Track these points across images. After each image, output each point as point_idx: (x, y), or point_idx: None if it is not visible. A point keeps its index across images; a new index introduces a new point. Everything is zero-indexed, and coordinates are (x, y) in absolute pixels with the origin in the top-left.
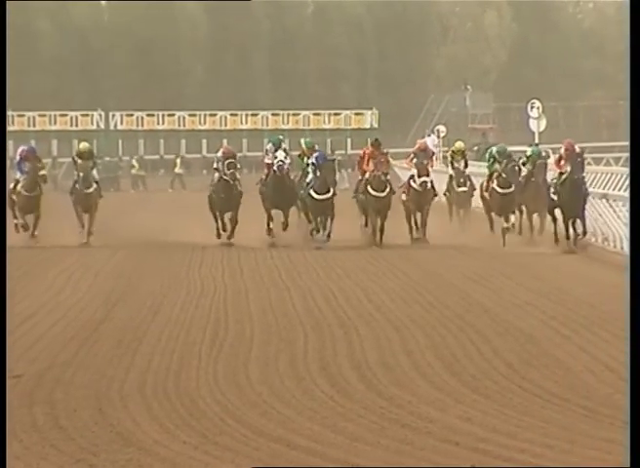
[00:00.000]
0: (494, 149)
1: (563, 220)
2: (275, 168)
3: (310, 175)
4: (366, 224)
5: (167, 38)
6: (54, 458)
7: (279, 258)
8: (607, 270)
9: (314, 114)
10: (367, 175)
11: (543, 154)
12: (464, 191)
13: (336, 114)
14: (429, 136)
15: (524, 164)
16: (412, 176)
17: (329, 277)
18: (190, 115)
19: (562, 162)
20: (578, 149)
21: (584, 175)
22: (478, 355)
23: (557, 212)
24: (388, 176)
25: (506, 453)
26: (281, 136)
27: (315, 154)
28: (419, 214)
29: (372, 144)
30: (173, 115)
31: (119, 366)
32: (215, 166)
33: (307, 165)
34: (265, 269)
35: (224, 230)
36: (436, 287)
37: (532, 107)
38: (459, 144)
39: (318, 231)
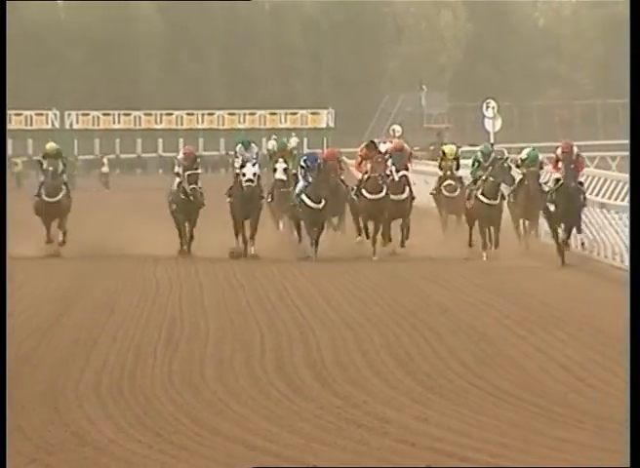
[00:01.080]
0: (478, 153)
1: (563, 230)
2: (244, 185)
3: (301, 182)
4: (359, 233)
5: (122, 37)
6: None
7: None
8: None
9: (270, 113)
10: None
11: (540, 159)
12: (454, 197)
13: (292, 113)
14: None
15: (517, 166)
16: (387, 176)
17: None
18: (146, 114)
19: (559, 164)
20: (576, 150)
21: (581, 180)
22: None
23: (553, 221)
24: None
25: (462, 453)
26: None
27: (304, 156)
28: (399, 221)
29: (366, 147)
30: (129, 114)
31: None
32: (175, 170)
33: (276, 169)
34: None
35: (187, 242)
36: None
37: (487, 107)
38: (449, 148)
39: (312, 245)
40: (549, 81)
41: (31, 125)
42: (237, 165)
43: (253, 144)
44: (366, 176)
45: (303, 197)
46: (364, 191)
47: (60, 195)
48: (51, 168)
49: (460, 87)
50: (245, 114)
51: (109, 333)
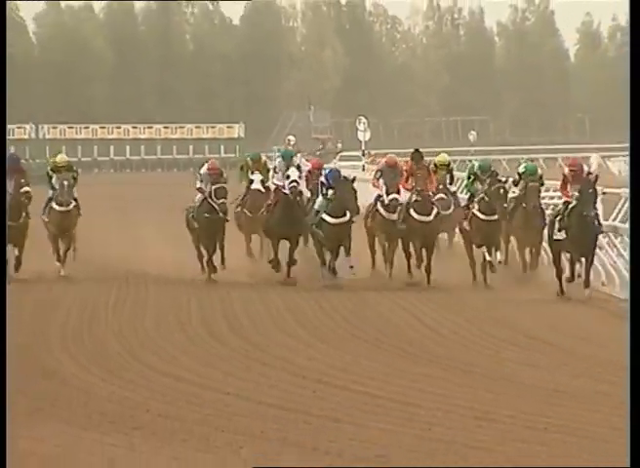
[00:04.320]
0: (475, 165)
1: (570, 262)
2: (288, 190)
3: (320, 199)
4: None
5: (81, 66)
6: None
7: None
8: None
9: (196, 127)
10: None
11: (539, 172)
12: (447, 214)
13: (212, 127)
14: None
15: (515, 183)
16: (378, 197)
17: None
18: (101, 127)
19: (568, 187)
20: (586, 169)
21: (597, 207)
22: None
23: (562, 252)
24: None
25: (342, 384)
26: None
27: (325, 171)
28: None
29: (411, 158)
30: (88, 127)
31: None
32: (197, 185)
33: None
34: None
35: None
36: None
37: (359, 122)
38: (441, 157)
39: (330, 264)
40: (407, 103)
41: (13, 135)
42: (276, 181)
43: (295, 159)
44: (414, 196)
45: (324, 215)
46: (412, 212)
47: (71, 206)
48: (65, 182)
49: (339, 106)
50: (176, 127)
51: None
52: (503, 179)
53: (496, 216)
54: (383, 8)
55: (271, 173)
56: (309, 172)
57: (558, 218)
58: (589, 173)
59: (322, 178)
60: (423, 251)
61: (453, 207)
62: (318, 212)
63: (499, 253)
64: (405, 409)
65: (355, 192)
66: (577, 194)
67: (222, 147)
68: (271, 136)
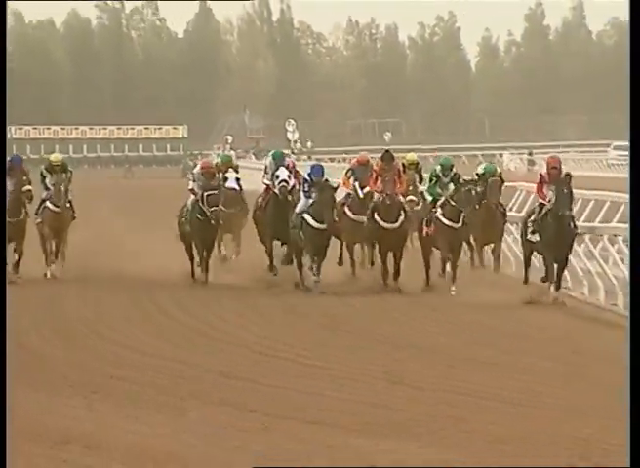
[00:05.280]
0: (437, 168)
1: (545, 265)
2: (277, 190)
3: (302, 199)
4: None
5: (43, 76)
6: None
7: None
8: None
9: (145, 128)
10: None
11: (498, 171)
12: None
13: (159, 128)
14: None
15: (475, 184)
16: (348, 195)
17: None
18: (62, 128)
19: (545, 188)
20: (564, 170)
21: (572, 207)
22: None
23: (535, 255)
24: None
25: (266, 351)
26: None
27: (307, 170)
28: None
29: (382, 159)
30: (50, 128)
31: None
32: (190, 186)
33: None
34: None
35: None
36: None
37: (289, 124)
38: (410, 156)
39: (312, 270)
40: (330, 107)
41: None
42: (266, 181)
43: (287, 159)
44: (380, 199)
45: (306, 216)
46: (377, 217)
47: (65, 209)
48: (62, 187)
49: (271, 110)
50: (127, 128)
51: None
52: (468, 179)
53: (460, 224)
54: (308, 25)
55: (262, 173)
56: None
57: (531, 219)
58: (568, 174)
59: (305, 175)
60: (390, 256)
61: (421, 203)
62: (300, 213)
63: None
64: (327, 374)
65: (334, 201)
66: (551, 194)
67: (168, 146)
68: (211, 137)
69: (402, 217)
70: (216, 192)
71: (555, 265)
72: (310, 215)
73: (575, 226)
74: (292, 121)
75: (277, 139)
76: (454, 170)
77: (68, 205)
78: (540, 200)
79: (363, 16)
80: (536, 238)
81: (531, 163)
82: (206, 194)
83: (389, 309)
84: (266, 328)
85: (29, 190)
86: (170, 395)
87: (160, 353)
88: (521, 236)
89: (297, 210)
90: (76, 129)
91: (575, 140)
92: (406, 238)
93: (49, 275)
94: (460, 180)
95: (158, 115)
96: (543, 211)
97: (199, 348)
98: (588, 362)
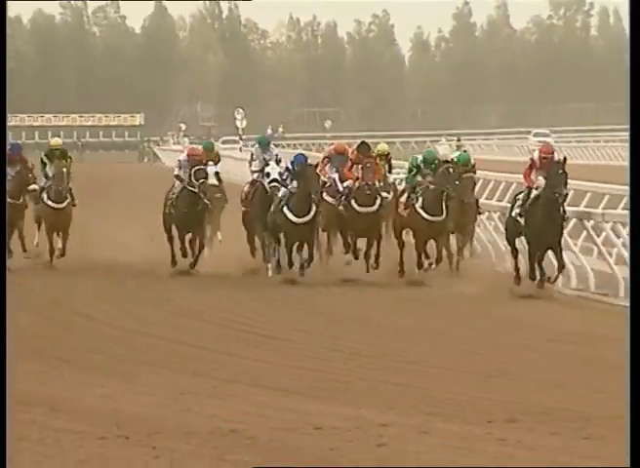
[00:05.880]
0: (418, 157)
1: (529, 253)
2: (268, 187)
3: (281, 190)
4: (347, 250)
5: (10, 65)
6: None
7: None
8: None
9: (105, 116)
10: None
11: (472, 162)
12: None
13: (118, 116)
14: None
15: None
16: (324, 184)
17: None
18: (28, 116)
19: (533, 173)
20: (557, 157)
21: (566, 192)
22: None
23: (520, 241)
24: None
25: (225, 323)
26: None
27: (290, 158)
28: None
29: (358, 150)
30: (17, 116)
31: None
32: (175, 172)
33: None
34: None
35: (184, 255)
36: None
37: (237, 113)
38: (381, 147)
39: (291, 266)
40: (276, 97)
41: None
42: (254, 168)
43: (272, 145)
44: (356, 185)
45: (286, 210)
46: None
47: (66, 203)
48: (64, 169)
49: (221, 100)
50: (89, 116)
51: None
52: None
53: (442, 217)
54: (254, 22)
55: (248, 160)
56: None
57: (518, 205)
58: (564, 158)
59: (287, 164)
60: (369, 241)
61: (391, 199)
62: (280, 204)
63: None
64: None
65: (318, 188)
66: (540, 180)
67: (126, 133)
68: (166, 124)
69: (379, 201)
70: (203, 167)
71: (549, 251)
72: (290, 211)
73: (564, 211)
74: (240, 110)
75: (227, 127)
76: (436, 162)
77: (69, 199)
78: (527, 184)
79: (305, 14)
80: (522, 222)
81: (459, 149)
82: (194, 170)
83: (358, 293)
84: (234, 306)
85: (35, 190)
86: (130, 363)
87: (120, 324)
88: (506, 226)
89: (275, 201)
90: (42, 116)
91: (498, 128)
92: (382, 221)
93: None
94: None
95: (117, 104)
96: (532, 196)
97: (164, 322)
98: (517, 332)
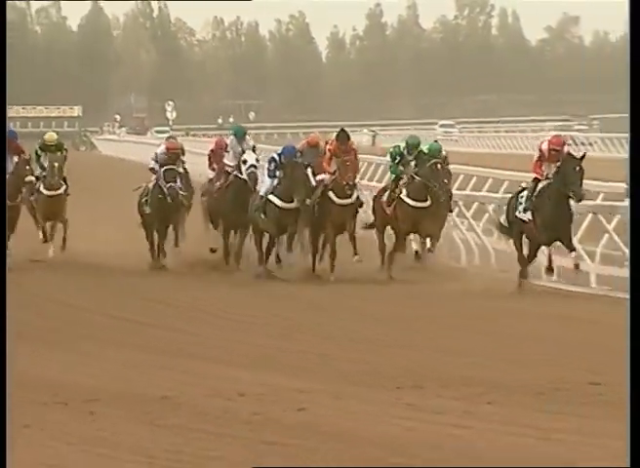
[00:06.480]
0: (400, 146)
1: (531, 248)
2: (245, 175)
3: (267, 181)
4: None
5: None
6: None
7: None
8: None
9: (45, 107)
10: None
11: (444, 153)
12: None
13: (57, 108)
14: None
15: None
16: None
17: None
18: (9, 107)
19: (544, 165)
20: (567, 149)
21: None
22: None
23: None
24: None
25: (191, 308)
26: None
27: (278, 150)
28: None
29: (337, 138)
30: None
31: None
32: (151, 165)
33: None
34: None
35: (159, 254)
36: None
37: (168, 105)
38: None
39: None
40: (203, 90)
41: None
42: (228, 161)
43: (248, 136)
44: (335, 181)
45: (272, 197)
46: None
47: (62, 189)
48: (56, 163)
49: (153, 93)
50: (30, 108)
51: None
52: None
53: (428, 203)
54: (183, 21)
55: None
56: (212, 151)
57: (524, 196)
58: (584, 154)
59: (274, 155)
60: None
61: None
62: (263, 196)
63: (428, 241)
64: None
65: (307, 177)
66: (551, 173)
67: (66, 123)
68: (102, 115)
69: (356, 192)
70: (174, 167)
71: (559, 243)
72: (276, 196)
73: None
74: (170, 102)
75: (158, 118)
76: (419, 149)
77: (64, 186)
78: (536, 175)
79: (229, 14)
80: (528, 217)
81: (374, 139)
82: (162, 170)
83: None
84: (202, 293)
85: (31, 181)
86: (88, 339)
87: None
88: (507, 217)
89: (261, 192)
90: (24, 109)
91: (408, 119)
92: (356, 213)
93: (51, 254)
94: (424, 157)
95: (57, 97)
96: (538, 188)
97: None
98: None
